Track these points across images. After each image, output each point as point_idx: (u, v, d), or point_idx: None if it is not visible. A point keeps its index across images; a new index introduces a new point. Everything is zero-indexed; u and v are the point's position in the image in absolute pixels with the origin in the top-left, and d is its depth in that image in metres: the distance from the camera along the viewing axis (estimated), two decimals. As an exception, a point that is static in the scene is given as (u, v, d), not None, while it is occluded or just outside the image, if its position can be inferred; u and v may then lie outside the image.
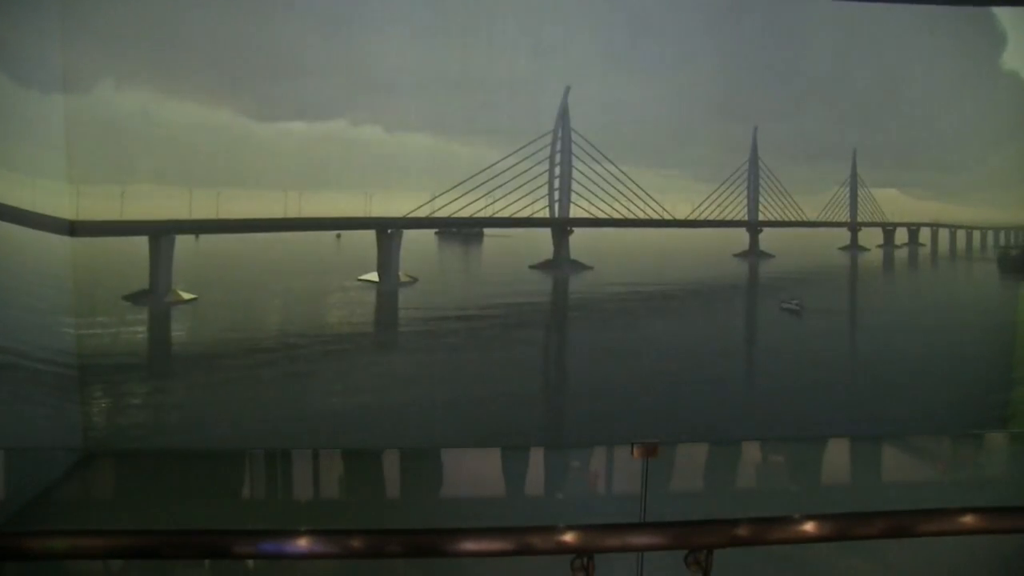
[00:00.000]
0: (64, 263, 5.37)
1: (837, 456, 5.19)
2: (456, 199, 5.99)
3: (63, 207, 5.58)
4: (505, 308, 6.24)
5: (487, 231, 6.33)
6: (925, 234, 7.02)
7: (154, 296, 5.69)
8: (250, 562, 3.59)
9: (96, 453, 5.09)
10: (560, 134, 6.28)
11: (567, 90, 6.20)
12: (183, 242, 5.67)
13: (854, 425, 6.39)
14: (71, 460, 4.77)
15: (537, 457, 5.24)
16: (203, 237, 5.80)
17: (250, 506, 4.60)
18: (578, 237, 6.44)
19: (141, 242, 5.61)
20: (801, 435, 6.28)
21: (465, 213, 5.97)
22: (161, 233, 5.61)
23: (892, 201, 6.95)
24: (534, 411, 6.29)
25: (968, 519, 2.50)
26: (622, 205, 6.50)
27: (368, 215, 5.85)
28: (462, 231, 6.24)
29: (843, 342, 6.80)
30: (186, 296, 5.77)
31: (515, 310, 6.25)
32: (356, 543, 2.52)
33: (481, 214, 6.04)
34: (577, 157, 6.37)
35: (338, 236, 6.09)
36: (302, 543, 2.48)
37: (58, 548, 2.46)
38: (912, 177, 6.92)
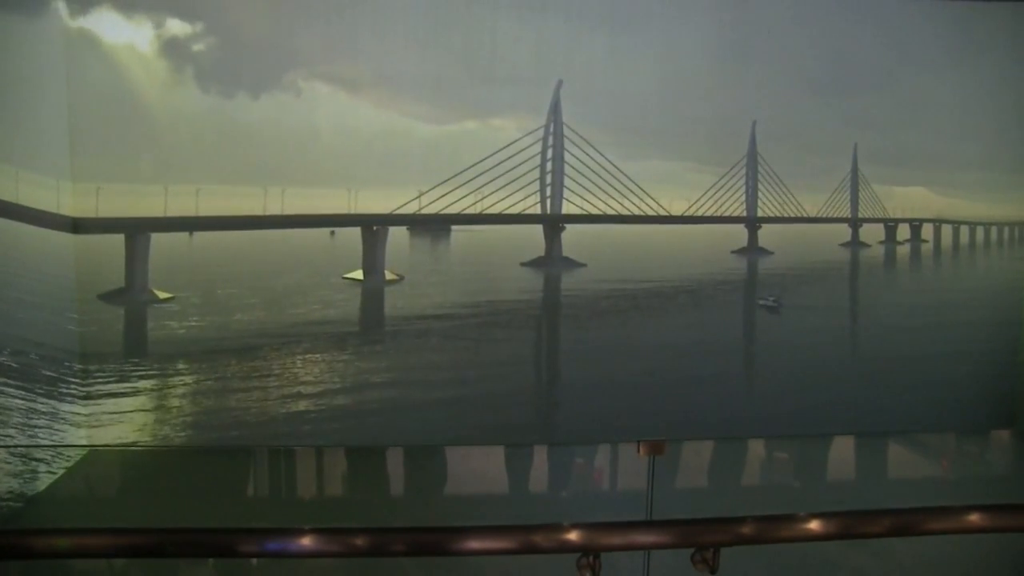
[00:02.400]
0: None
1: (833, 452, 5.23)
2: (458, 193, 5.97)
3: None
4: (505, 305, 6.24)
5: (453, 227, 6.31)
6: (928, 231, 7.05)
7: (129, 295, 5.62)
8: (254, 560, 3.59)
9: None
10: (552, 129, 6.26)
11: (559, 83, 6.19)
12: (182, 238, 5.66)
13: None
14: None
15: (541, 454, 5.25)
16: (199, 235, 5.77)
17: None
18: (570, 234, 6.44)
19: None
20: (801, 433, 6.31)
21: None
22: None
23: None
24: (548, 401, 6.33)
25: (974, 517, 2.53)
26: (617, 201, 6.50)
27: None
28: (431, 227, 6.20)
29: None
30: (162, 295, 5.71)
31: (516, 307, 6.24)
32: (360, 541, 2.52)
33: (492, 210, 6.05)
34: (569, 151, 6.36)
35: (332, 233, 6.05)
36: (306, 541, 2.49)
37: (61, 547, 2.44)
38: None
